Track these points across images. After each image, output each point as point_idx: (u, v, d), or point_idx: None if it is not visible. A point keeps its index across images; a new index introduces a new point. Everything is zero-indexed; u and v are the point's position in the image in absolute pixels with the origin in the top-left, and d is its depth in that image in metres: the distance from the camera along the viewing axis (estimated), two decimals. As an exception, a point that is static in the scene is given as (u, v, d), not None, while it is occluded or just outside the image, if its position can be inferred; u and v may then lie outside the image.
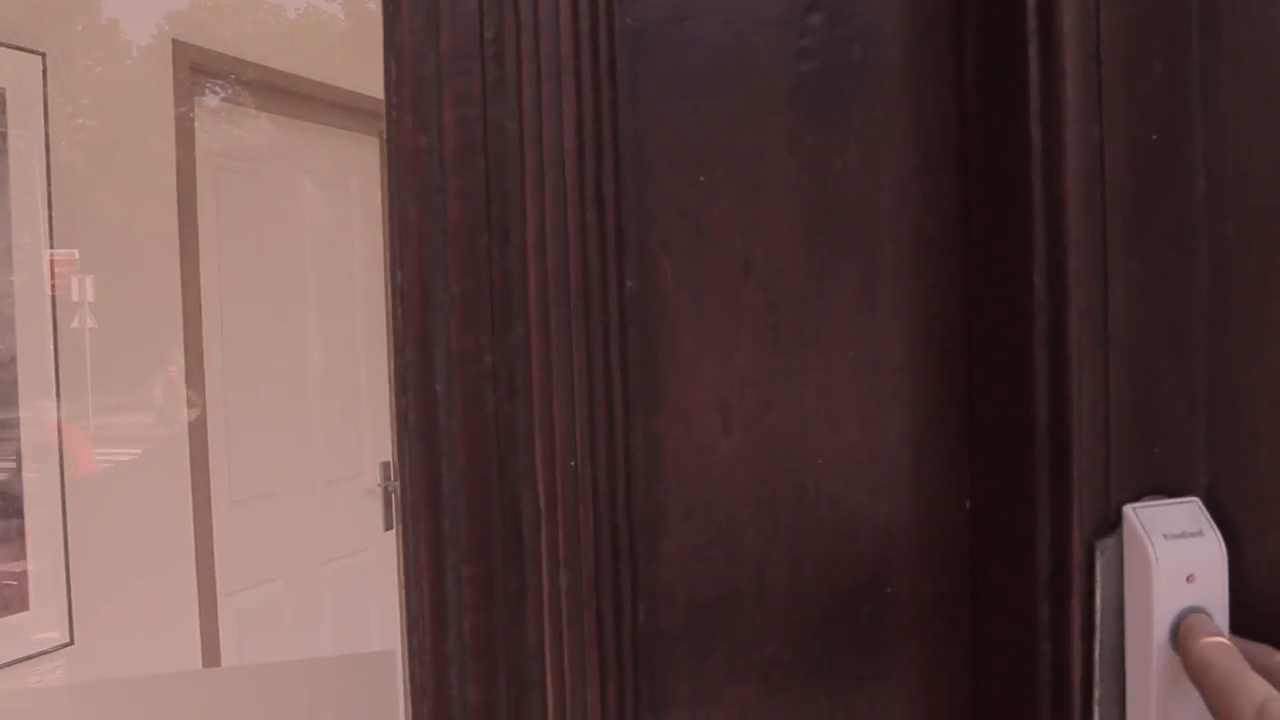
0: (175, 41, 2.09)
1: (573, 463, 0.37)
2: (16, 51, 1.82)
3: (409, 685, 0.39)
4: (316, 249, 2.51)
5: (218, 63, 2.18)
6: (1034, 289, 0.39)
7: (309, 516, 2.49)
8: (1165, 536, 0.37)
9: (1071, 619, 0.38)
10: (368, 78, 2.49)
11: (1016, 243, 0.39)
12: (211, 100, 2.22)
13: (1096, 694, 0.38)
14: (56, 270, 1.93)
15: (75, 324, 1.96)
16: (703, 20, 0.40)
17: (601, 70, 0.38)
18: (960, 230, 0.42)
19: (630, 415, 0.39)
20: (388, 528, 2.70)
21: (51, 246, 1.86)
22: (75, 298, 1.97)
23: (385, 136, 0.40)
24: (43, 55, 1.84)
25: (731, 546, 0.40)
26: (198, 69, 2.13)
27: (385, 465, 2.72)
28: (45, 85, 1.84)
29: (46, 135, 1.84)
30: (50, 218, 1.89)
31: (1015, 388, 0.40)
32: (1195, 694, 0.36)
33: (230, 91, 2.25)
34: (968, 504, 0.43)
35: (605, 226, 0.38)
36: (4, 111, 1.80)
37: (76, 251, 1.93)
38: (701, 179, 0.40)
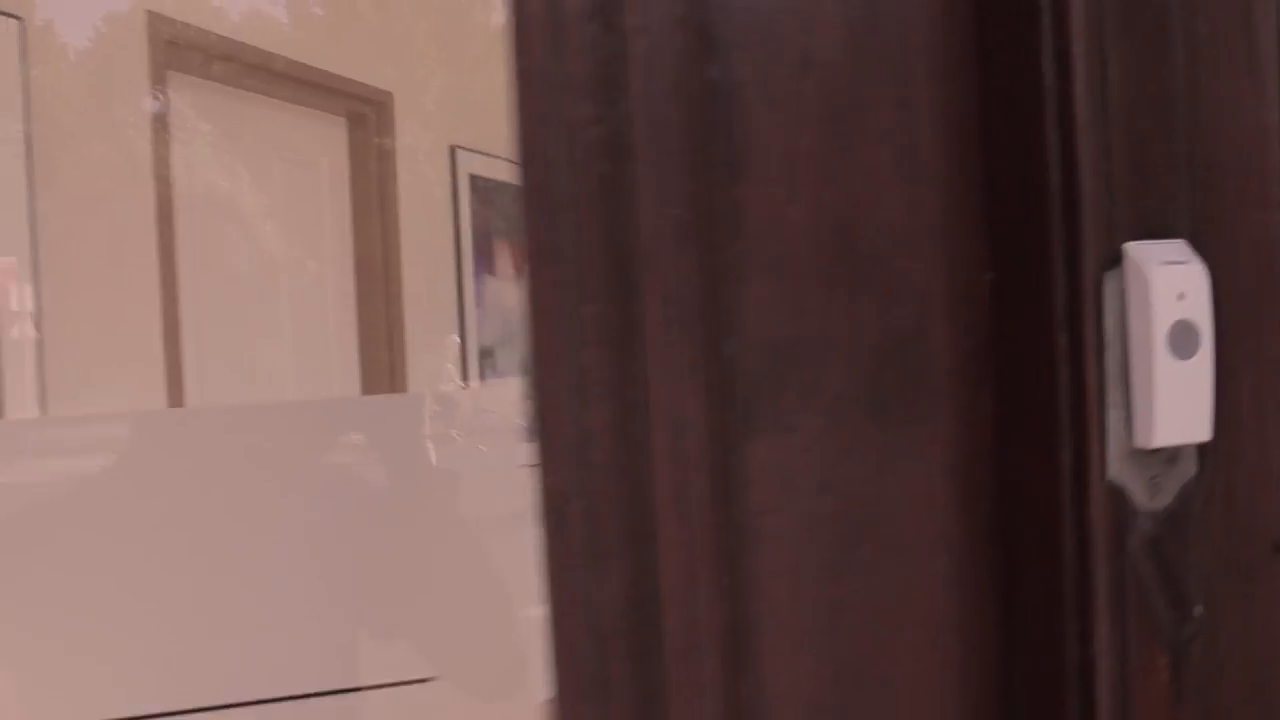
0: (150, 13, 2.14)
1: (676, 211, 0.46)
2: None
3: (529, 413, 0.47)
4: (287, 230, 2.57)
5: (192, 36, 2.24)
6: (1043, 74, 0.48)
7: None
8: (1159, 264, 0.46)
9: (1086, 342, 0.48)
10: (336, 55, 2.56)
11: (1028, 40, 0.48)
12: (185, 76, 2.27)
13: (1109, 403, 0.47)
14: None
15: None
16: None
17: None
18: (977, 38, 0.51)
19: (714, 181, 0.47)
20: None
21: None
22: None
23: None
24: (20, 20, 1.88)
25: (799, 299, 0.49)
26: (172, 43, 2.19)
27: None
28: (24, 51, 1.88)
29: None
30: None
31: (1029, 162, 0.49)
32: (1189, 395, 0.45)
33: (204, 66, 2.30)
34: (990, 275, 0.52)
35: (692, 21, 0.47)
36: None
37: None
38: (767, -11, 0.48)
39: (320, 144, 2.64)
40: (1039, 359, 0.49)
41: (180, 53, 2.19)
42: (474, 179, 2.94)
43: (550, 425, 0.47)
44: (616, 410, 0.47)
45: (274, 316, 2.51)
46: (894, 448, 0.51)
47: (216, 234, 2.31)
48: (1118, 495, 0.48)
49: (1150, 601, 0.49)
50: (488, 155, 2.97)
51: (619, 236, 0.46)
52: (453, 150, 2.91)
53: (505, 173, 3.24)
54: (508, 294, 2.98)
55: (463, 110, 2.95)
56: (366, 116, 2.68)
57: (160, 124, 2.14)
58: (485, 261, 2.99)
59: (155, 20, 2.14)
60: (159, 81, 2.14)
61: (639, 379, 0.47)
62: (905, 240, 0.51)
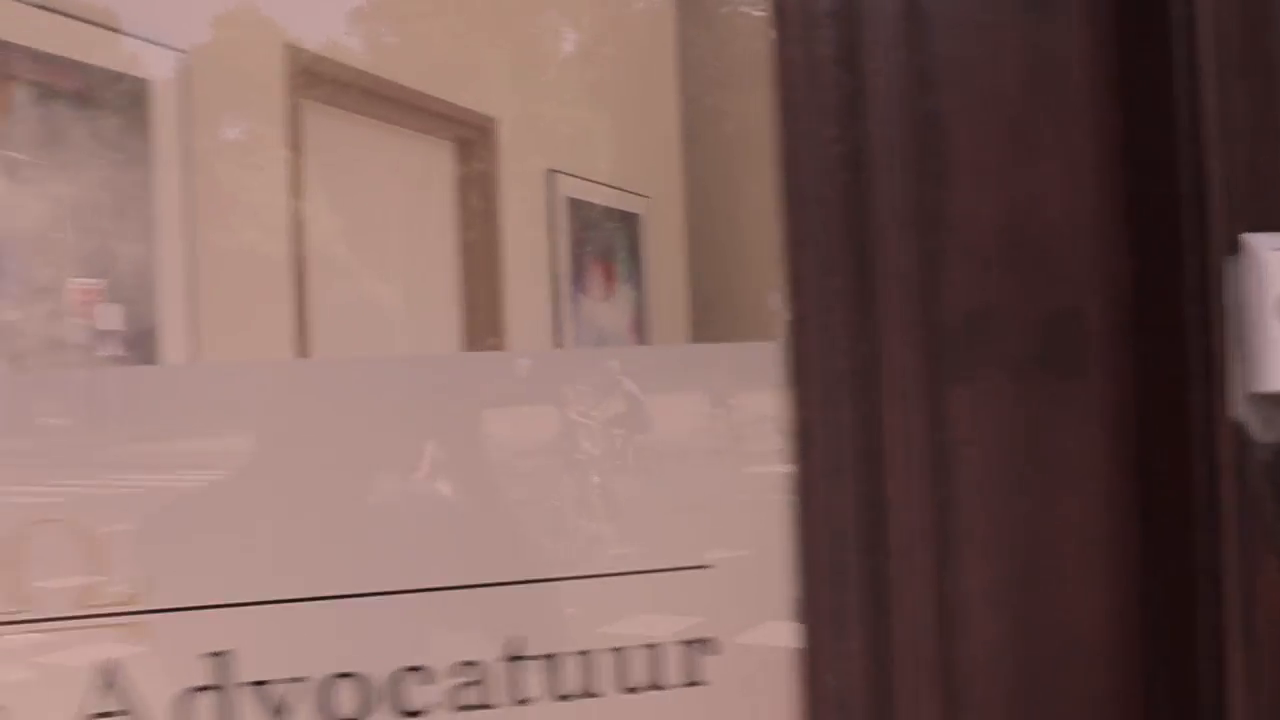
0: (287, 45, 2.34)
1: (898, 208, 0.61)
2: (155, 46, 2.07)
3: (787, 362, 0.63)
4: (402, 246, 2.76)
5: (322, 66, 2.44)
6: (1177, 102, 0.63)
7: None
8: (1270, 250, 0.61)
9: (1212, 312, 0.62)
10: (445, 83, 2.75)
11: (1165, 76, 0.63)
12: (313, 103, 2.47)
13: (1231, 358, 0.62)
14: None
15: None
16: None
17: (904, -29, 0.63)
18: (1122, 74, 0.66)
19: (926, 186, 0.63)
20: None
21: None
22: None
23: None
24: (185, 53, 2.09)
25: (986, 278, 0.64)
26: (306, 72, 2.39)
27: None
28: (190, 83, 2.09)
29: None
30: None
31: (1166, 171, 0.64)
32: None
33: (330, 94, 2.50)
34: (1134, 261, 0.67)
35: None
36: (146, 109, 2.05)
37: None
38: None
39: (429, 167, 2.83)
40: (1173, 326, 0.64)
41: (311, 81, 2.39)
42: (571, 202, 3.12)
43: (802, 371, 0.63)
44: (854, 359, 0.62)
45: (385, 328, 2.69)
46: (1058, 396, 0.66)
47: (340, 254, 2.50)
48: (1240, 430, 0.63)
49: (1265, 515, 0.64)
50: (584, 180, 3.14)
51: (856, 227, 0.62)
52: (551, 174, 3.09)
53: (601, 196, 3.43)
54: (600, 313, 3.15)
55: (561, 137, 3.13)
56: (472, 141, 2.87)
57: (293, 145, 2.34)
58: (580, 281, 3.16)
59: (291, 52, 2.35)
60: (293, 108, 2.34)
61: (871, 335, 0.62)
62: (1067, 233, 0.66)
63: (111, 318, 2.36)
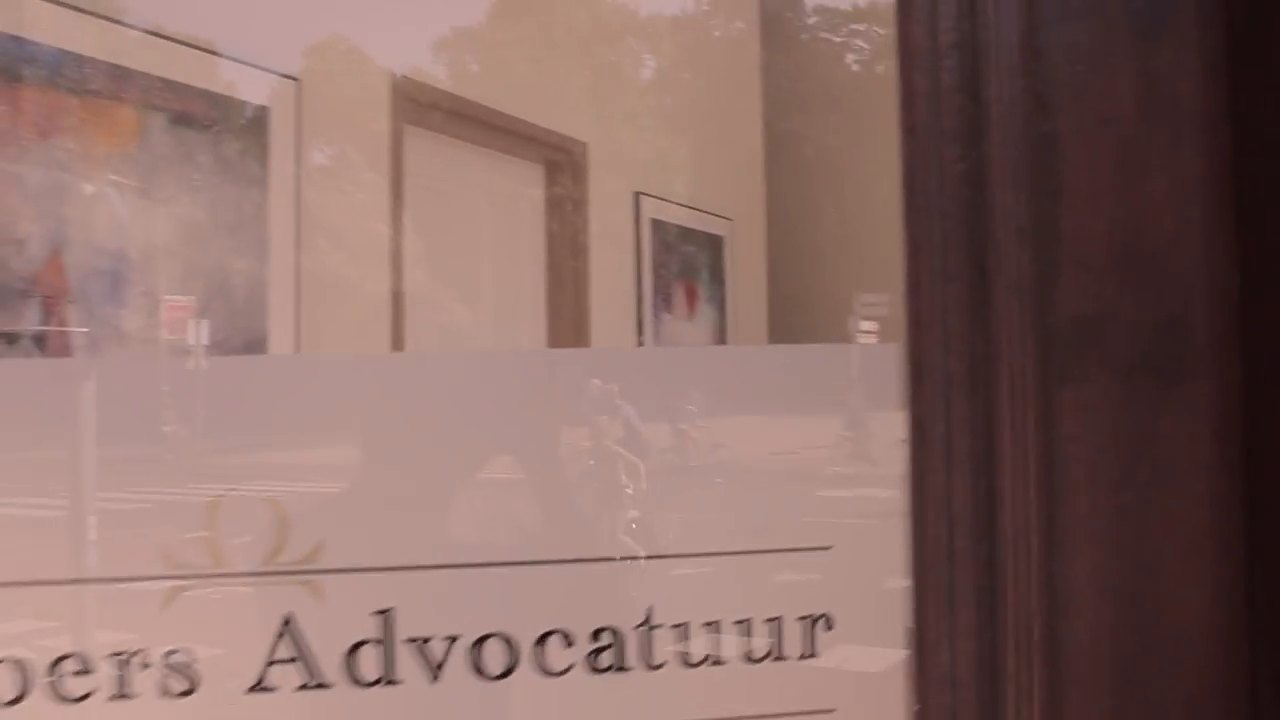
0: (393, 72, 2.45)
1: (1016, 222, 0.66)
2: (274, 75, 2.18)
3: (904, 362, 0.68)
4: (492, 265, 2.85)
5: (425, 93, 2.55)
6: (1285, 127, 0.67)
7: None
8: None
9: (1315, 321, 0.66)
10: (537, 108, 2.85)
11: (1274, 99, 0.67)
12: (415, 129, 2.58)
13: (1332, 365, 0.66)
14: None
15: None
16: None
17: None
18: (1232, 96, 0.70)
19: (1042, 202, 0.68)
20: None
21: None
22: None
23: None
24: (298, 81, 2.21)
25: (1098, 287, 0.69)
26: (410, 99, 2.50)
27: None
28: (299, 109, 2.20)
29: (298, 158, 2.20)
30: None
31: (1272, 190, 0.68)
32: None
33: (429, 119, 2.61)
34: (1238, 272, 0.71)
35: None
36: (265, 134, 2.16)
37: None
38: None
39: (520, 189, 2.92)
40: (1277, 334, 0.68)
41: (414, 108, 2.49)
42: (655, 223, 3.19)
43: (919, 370, 0.67)
44: (969, 360, 0.67)
45: (475, 342, 2.78)
46: (1164, 400, 0.70)
47: (435, 270, 2.59)
48: (1340, 434, 0.66)
49: (1365, 516, 0.67)
50: (668, 202, 3.22)
51: (975, 238, 0.67)
52: (637, 196, 3.17)
53: (684, 218, 3.50)
54: (683, 331, 3.21)
55: (647, 160, 3.21)
56: (562, 164, 2.96)
57: (394, 167, 2.44)
58: (663, 300, 3.23)
59: (398, 81, 2.45)
60: (397, 133, 2.45)
61: (987, 338, 0.67)
62: (1175, 246, 0.70)
63: (201, 332, 2.47)
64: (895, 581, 0.65)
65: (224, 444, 0.66)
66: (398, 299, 2.43)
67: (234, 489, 0.64)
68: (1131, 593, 0.69)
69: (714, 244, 3.46)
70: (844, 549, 0.69)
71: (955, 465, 0.67)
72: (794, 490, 0.70)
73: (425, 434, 0.67)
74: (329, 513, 0.65)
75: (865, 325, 2.82)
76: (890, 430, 0.64)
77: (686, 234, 3.29)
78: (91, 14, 1.97)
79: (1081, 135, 0.68)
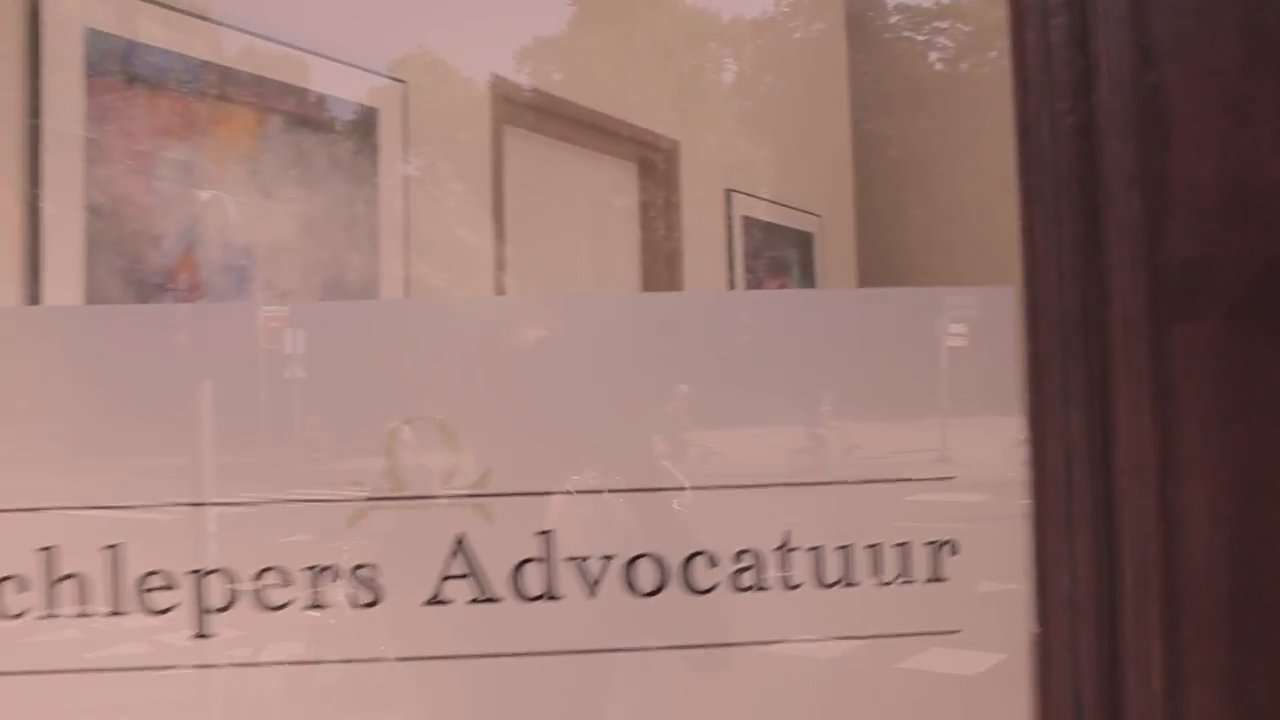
0: (494, 75, 2.55)
1: (1126, 169, 0.71)
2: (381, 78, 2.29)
3: (1024, 296, 0.72)
4: (587, 257, 2.93)
5: (522, 94, 2.64)
6: (1389, 74, 0.71)
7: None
8: None
9: None
10: (632, 107, 2.93)
11: (1376, 49, 0.71)
12: (514, 129, 2.68)
13: None
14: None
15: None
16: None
17: None
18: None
19: (1150, 150, 0.72)
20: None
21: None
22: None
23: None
24: (404, 83, 2.32)
25: (1205, 229, 0.73)
26: (508, 100, 2.59)
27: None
28: (405, 110, 2.31)
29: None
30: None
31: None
32: None
33: (527, 119, 2.70)
34: (1342, 218, 0.74)
35: (1137, 45, 0.72)
36: (375, 135, 2.27)
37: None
38: (1183, 22, 0.73)
39: (615, 186, 3.01)
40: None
41: (512, 108, 2.59)
42: (746, 220, 3.25)
43: (1037, 305, 0.72)
44: (1084, 300, 0.72)
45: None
46: (1271, 337, 0.74)
47: (533, 264, 2.69)
48: None
49: None
50: (759, 199, 3.27)
51: (1086, 184, 0.72)
52: (728, 194, 3.23)
53: (775, 215, 3.55)
54: (774, 325, 3.26)
55: (736, 159, 3.27)
56: (655, 163, 3.04)
57: (495, 165, 2.54)
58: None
59: (497, 81, 2.55)
60: (497, 133, 2.54)
61: (1099, 279, 0.72)
62: (1281, 191, 0.74)
63: (297, 342, 2.58)
64: (1017, 510, 0.70)
65: (405, 381, 0.73)
66: (499, 290, 2.53)
67: (412, 420, 0.71)
68: (1242, 520, 0.73)
69: (804, 240, 3.50)
70: (967, 479, 0.74)
71: (1072, 399, 0.72)
72: (919, 424, 0.75)
73: (581, 371, 0.74)
74: (496, 443, 0.72)
75: (954, 327, 2.84)
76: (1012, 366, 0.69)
77: (777, 230, 3.34)
78: (215, 22, 2.10)
79: (1188, 85, 0.72)
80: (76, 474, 0.71)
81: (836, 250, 3.63)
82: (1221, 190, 0.73)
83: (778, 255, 3.36)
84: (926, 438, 0.74)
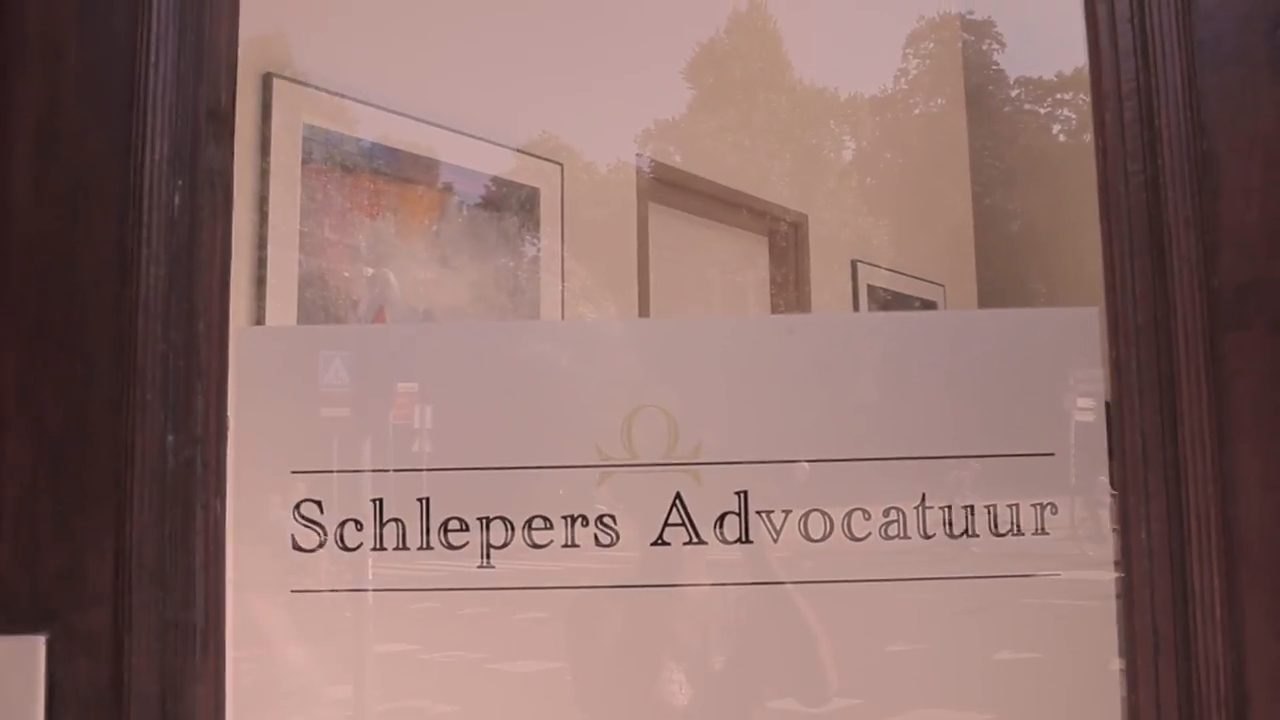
0: (638, 155, 2.88)
1: (1184, 214, 0.95)
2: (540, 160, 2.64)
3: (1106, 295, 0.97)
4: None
5: (664, 173, 2.96)
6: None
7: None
8: None
9: None
10: (763, 183, 3.22)
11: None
12: (656, 204, 3.00)
13: None
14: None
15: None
16: (1226, 37, 0.99)
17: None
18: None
19: (1206, 200, 0.96)
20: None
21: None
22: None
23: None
24: (561, 165, 2.66)
25: (1252, 259, 0.96)
26: (655, 179, 2.92)
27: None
28: (562, 192, 2.65)
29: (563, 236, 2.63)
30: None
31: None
32: None
33: (667, 195, 3.02)
34: (1365, 252, 0.97)
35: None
36: (536, 211, 2.61)
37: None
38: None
39: (747, 258, 3.29)
40: (1397, 292, 0.94)
41: (653, 185, 2.91)
42: (871, 289, 3.50)
43: (1115, 322, 0.97)
44: (1152, 315, 0.96)
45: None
46: (1310, 345, 0.96)
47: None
48: None
49: None
50: (883, 269, 3.52)
51: (1154, 228, 0.96)
52: (854, 264, 3.49)
53: (899, 284, 3.80)
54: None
55: (861, 232, 3.53)
56: (784, 235, 3.32)
57: (640, 240, 2.85)
58: (880, 359, 3.52)
59: (640, 161, 2.87)
60: (643, 208, 2.86)
61: (1165, 299, 0.96)
62: (1313, 231, 0.97)
63: (425, 418, 2.92)
64: (1103, 479, 0.94)
65: (639, 380, 1.02)
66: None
67: (644, 408, 0.99)
68: (1289, 487, 0.95)
69: (928, 309, 3.72)
70: (1063, 455, 0.98)
71: (1145, 392, 0.95)
72: (1026, 414, 1.00)
73: (780, 374, 1.02)
74: (705, 425, 1.00)
75: (1081, 402, 3.02)
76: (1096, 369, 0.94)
77: (902, 299, 3.58)
78: (397, 113, 2.47)
79: (1233, 149, 0.97)
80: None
81: (960, 318, 3.83)
82: (1263, 229, 0.97)
83: (902, 322, 3.60)
84: (1033, 423, 0.99)
